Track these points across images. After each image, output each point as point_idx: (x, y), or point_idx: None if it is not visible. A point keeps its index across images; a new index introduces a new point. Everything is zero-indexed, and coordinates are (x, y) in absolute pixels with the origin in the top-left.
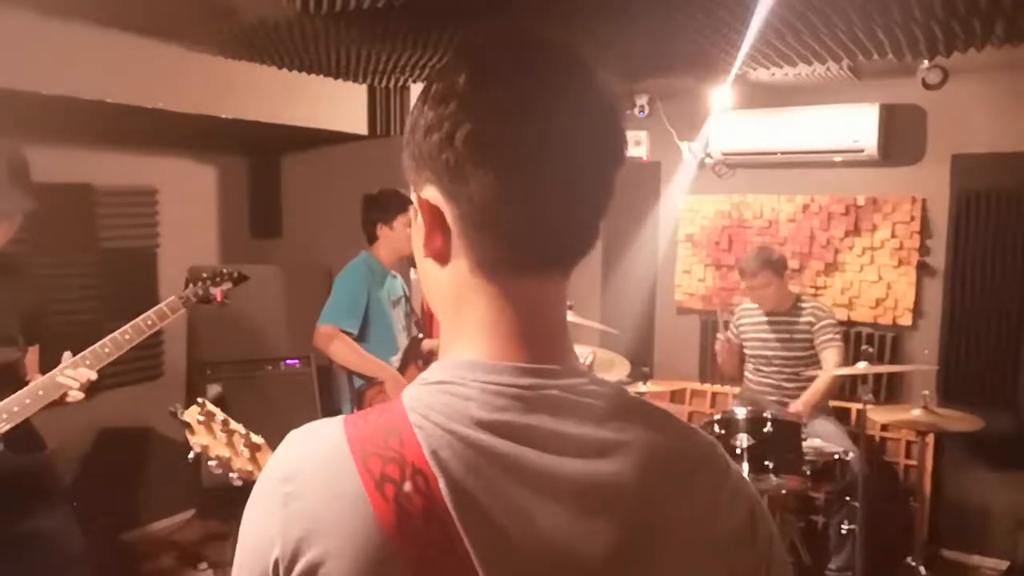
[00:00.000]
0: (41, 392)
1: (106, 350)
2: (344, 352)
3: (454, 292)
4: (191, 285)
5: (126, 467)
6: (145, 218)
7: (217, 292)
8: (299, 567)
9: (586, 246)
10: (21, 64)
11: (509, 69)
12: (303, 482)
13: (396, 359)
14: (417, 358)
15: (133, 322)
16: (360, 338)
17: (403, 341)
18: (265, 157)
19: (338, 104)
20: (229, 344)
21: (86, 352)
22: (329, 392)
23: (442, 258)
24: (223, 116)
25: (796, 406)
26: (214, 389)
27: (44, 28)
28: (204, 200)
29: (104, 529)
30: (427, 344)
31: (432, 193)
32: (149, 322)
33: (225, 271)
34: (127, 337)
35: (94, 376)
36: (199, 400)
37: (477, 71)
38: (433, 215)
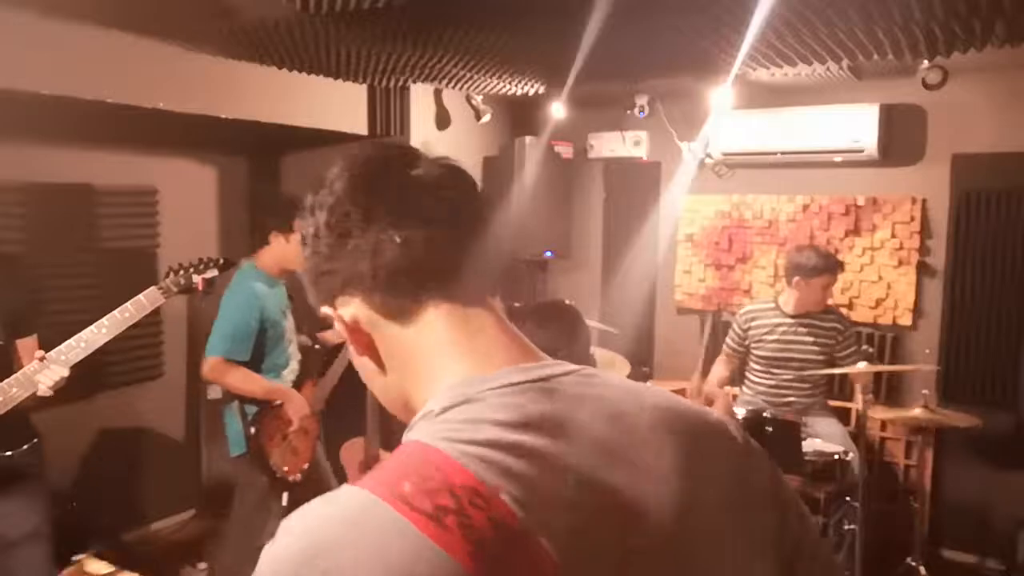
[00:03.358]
0: (15, 389)
1: (82, 344)
2: (239, 382)
3: (405, 352)
4: (172, 274)
5: (126, 467)
6: (145, 218)
7: (199, 280)
8: None
9: (480, 272)
10: (21, 64)
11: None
12: (340, 550)
13: (293, 370)
14: (312, 371)
15: (110, 314)
16: (256, 360)
17: (295, 350)
18: (265, 157)
19: (338, 104)
20: None
21: (62, 347)
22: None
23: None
24: (223, 116)
25: None
26: (214, 389)
27: (44, 28)
28: (204, 200)
29: (104, 529)
30: (326, 337)
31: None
32: (126, 314)
33: (209, 258)
34: (103, 331)
35: (66, 373)
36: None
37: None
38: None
